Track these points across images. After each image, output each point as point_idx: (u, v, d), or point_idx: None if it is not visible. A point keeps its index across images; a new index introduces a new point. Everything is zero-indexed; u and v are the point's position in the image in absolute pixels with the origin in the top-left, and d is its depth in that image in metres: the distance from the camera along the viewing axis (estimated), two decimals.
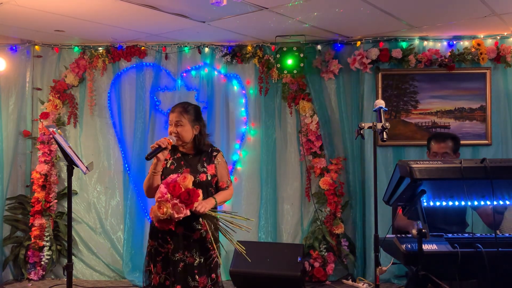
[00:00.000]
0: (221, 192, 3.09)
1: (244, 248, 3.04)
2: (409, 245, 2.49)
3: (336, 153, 5.28)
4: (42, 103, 5.39)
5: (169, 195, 2.75)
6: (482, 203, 2.64)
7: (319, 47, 5.23)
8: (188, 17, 4.37)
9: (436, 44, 5.10)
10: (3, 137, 5.22)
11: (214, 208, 2.98)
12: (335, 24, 4.70)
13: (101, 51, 5.38)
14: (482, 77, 5.07)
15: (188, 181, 2.81)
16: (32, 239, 5.16)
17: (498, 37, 5.01)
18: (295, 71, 5.00)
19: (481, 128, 5.08)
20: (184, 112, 3.03)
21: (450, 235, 2.67)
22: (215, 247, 2.99)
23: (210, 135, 3.21)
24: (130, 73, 5.46)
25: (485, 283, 2.52)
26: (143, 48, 5.38)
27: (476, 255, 2.43)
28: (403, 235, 2.65)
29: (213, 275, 3.01)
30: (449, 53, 5.04)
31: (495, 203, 2.52)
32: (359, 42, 5.15)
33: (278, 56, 4.94)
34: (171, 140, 2.95)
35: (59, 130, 3.02)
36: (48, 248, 5.20)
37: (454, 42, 5.08)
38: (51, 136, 5.13)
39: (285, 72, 5.02)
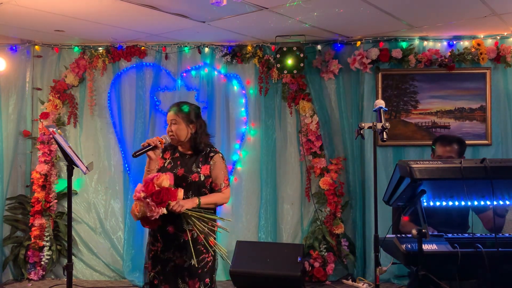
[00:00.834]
0: (212, 194, 3.00)
1: (226, 251, 3.00)
2: (409, 245, 2.49)
3: (336, 153, 5.29)
4: (42, 103, 5.39)
5: (142, 194, 2.72)
6: (482, 203, 2.63)
7: (319, 47, 5.23)
8: (188, 17, 4.37)
9: (436, 44, 5.10)
10: (3, 137, 5.23)
11: (198, 209, 2.87)
12: (335, 24, 4.70)
13: (101, 51, 5.38)
14: (482, 77, 5.07)
15: (161, 180, 2.75)
16: (32, 239, 5.16)
17: (498, 37, 5.01)
18: (295, 71, 5.00)
19: (481, 128, 5.08)
20: (179, 111, 3.04)
21: (450, 235, 2.67)
22: (210, 250, 2.94)
23: (212, 136, 3.18)
24: (130, 73, 5.46)
25: (485, 283, 2.52)
26: (143, 48, 5.39)
27: (476, 255, 2.43)
28: (403, 235, 2.65)
29: (207, 280, 2.95)
30: (449, 53, 5.04)
31: (495, 203, 2.52)
32: (359, 42, 5.15)
33: (278, 56, 4.94)
34: (163, 140, 2.95)
35: (59, 130, 3.02)
36: (48, 248, 5.20)
37: (454, 42, 5.08)
38: (51, 136, 5.13)
39: (285, 72, 5.02)
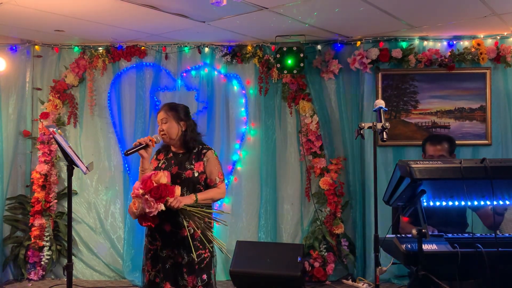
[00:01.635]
0: (208, 190, 3.04)
1: (224, 244, 3.03)
2: (409, 245, 2.49)
3: (336, 153, 5.28)
4: (42, 103, 5.39)
5: (141, 191, 2.76)
6: (482, 203, 2.64)
7: (319, 47, 5.23)
8: (188, 17, 4.37)
9: (436, 44, 5.10)
10: (3, 137, 5.22)
11: (195, 205, 2.90)
12: (335, 24, 4.70)
13: (101, 51, 5.38)
14: (482, 77, 5.07)
15: (159, 176, 2.80)
16: (32, 239, 5.16)
17: (498, 37, 5.01)
18: (295, 71, 5.00)
19: (481, 128, 5.08)
20: (169, 110, 3.11)
21: (450, 235, 2.67)
22: (209, 246, 2.98)
23: (203, 135, 3.24)
24: (130, 73, 5.46)
25: (485, 283, 2.52)
26: (143, 48, 5.39)
27: (476, 255, 2.43)
28: (403, 235, 2.65)
29: (204, 276, 2.98)
30: (449, 53, 5.04)
31: (495, 203, 2.52)
32: (359, 42, 5.15)
33: (278, 56, 4.94)
34: (155, 139, 3.01)
35: (59, 130, 3.01)
36: (48, 248, 5.20)
37: (454, 42, 5.08)
38: (51, 136, 5.13)
39: (285, 72, 5.02)
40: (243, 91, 5.41)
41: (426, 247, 2.46)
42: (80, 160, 2.99)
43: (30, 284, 5.11)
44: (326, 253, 5.12)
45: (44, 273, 5.24)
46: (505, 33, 4.98)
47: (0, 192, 5.15)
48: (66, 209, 4.77)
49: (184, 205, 2.84)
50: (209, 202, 3.05)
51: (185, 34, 4.99)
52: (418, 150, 5.07)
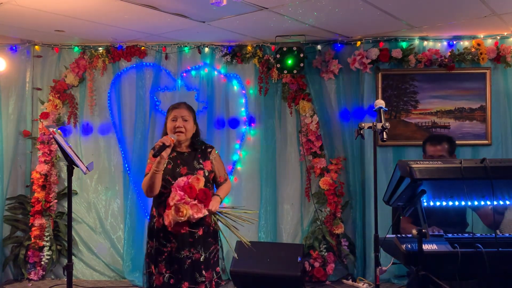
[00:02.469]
0: (222, 187, 3.21)
1: (248, 242, 3.21)
2: (409, 245, 2.49)
3: (336, 153, 5.28)
4: (42, 103, 5.39)
5: (187, 198, 2.84)
6: (482, 203, 2.63)
7: (319, 47, 5.23)
8: (188, 17, 4.37)
9: (436, 44, 5.10)
10: (3, 137, 5.23)
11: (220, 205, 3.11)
12: (335, 24, 4.70)
13: (101, 51, 5.38)
14: (482, 77, 5.07)
15: (201, 182, 2.93)
16: (32, 239, 5.16)
17: (498, 37, 5.01)
18: (295, 71, 5.00)
19: (481, 128, 5.08)
20: (190, 109, 3.19)
21: (450, 235, 2.67)
22: (219, 240, 3.15)
23: (204, 137, 3.38)
24: (130, 73, 5.46)
25: (485, 283, 2.53)
26: (143, 48, 5.39)
27: (476, 255, 2.43)
28: (403, 235, 2.65)
29: (218, 269, 3.12)
30: (449, 53, 5.04)
31: (495, 203, 2.52)
32: (359, 42, 5.15)
33: (278, 56, 4.94)
34: (173, 139, 3.00)
35: (59, 130, 3.01)
36: (48, 248, 5.20)
37: (454, 42, 5.08)
38: (51, 136, 5.13)
39: (285, 72, 5.02)
40: (243, 91, 5.41)
41: (426, 247, 2.46)
42: (80, 160, 2.99)
43: (30, 284, 5.11)
44: (326, 253, 5.12)
45: (44, 273, 5.24)
46: (505, 33, 4.98)
47: (0, 192, 5.15)
48: (66, 209, 4.77)
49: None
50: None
51: (185, 34, 4.99)
52: (418, 150, 5.07)
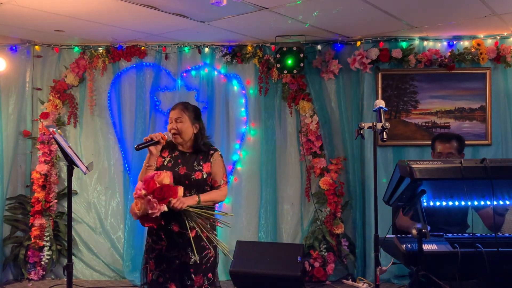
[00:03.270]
0: (211, 192, 3.03)
1: (227, 247, 3.04)
2: (409, 245, 2.49)
3: (336, 153, 5.29)
4: (42, 103, 5.39)
5: (143, 191, 2.73)
6: (482, 203, 2.63)
7: (319, 47, 5.23)
8: (188, 17, 4.37)
9: (436, 44, 5.10)
10: (3, 137, 5.23)
11: (198, 206, 2.89)
12: (335, 24, 4.70)
13: (101, 51, 5.38)
14: (482, 77, 5.07)
15: (162, 177, 2.77)
16: (32, 239, 5.16)
17: (498, 37, 5.01)
18: (295, 71, 5.00)
19: (481, 128, 5.08)
20: (185, 110, 3.07)
21: (450, 235, 2.67)
22: (211, 246, 2.98)
23: (210, 137, 3.21)
24: (130, 73, 5.46)
25: (485, 283, 2.52)
26: (143, 48, 5.38)
27: (476, 255, 2.43)
28: (403, 235, 2.65)
29: (210, 275, 3.00)
30: (449, 53, 5.04)
31: (495, 203, 2.52)
32: (359, 42, 5.15)
33: (278, 56, 4.94)
34: (166, 136, 2.97)
35: (59, 130, 3.01)
36: (48, 248, 5.20)
37: (454, 42, 5.08)
38: (51, 136, 5.13)
39: (285, 72, 5.02)
40: (243, 91, 5.41)
41: (426, 247, 2.46)
42: (80, 160, 2.98)
43: (30, 284, 5.11)
44: (326, 253, 5.12)
45: (44, 273, 5.24)
46: (505, 33, 4.98)
47: (0, 192, 5.15)
48: (66, 209, 4.76)
49: (187, 206, 2.82)
50: (211, 204, 3.03)
51: (185, 34, 4.99)
52: (418, 150, 5.10)
